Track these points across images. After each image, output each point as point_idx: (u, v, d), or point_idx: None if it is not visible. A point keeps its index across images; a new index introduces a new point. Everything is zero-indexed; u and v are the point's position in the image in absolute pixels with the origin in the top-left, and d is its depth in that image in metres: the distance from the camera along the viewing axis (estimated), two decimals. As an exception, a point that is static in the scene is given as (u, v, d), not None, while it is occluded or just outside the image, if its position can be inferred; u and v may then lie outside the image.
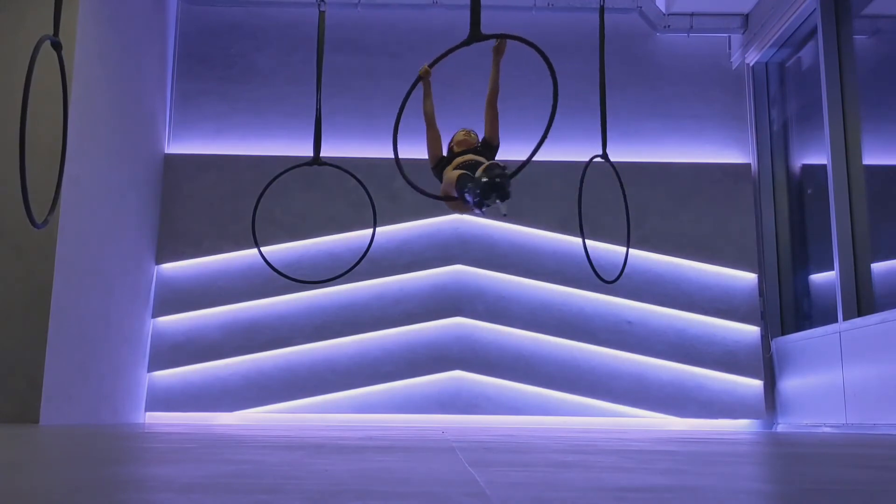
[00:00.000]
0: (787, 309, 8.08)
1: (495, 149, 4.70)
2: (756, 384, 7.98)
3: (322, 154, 5.87)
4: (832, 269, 6.94)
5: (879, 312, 6.27)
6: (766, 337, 8.06)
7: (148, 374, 7.91)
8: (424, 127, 4.73)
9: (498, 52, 4.56)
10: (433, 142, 4.72)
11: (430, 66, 4.55)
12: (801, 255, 8.08)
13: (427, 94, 4.66)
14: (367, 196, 5.99)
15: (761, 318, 8.08)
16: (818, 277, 7.69)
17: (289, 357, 7.97)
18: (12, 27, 6.12)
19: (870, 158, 6.89)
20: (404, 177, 4.38)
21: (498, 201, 3.97)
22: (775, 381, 7.96)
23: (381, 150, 8.39)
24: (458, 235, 8.19)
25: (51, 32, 3.92)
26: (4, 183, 5.68)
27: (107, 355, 6.96)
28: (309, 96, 6.73)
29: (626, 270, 5.94)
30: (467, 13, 4.26)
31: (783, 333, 8.00)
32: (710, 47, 8.77)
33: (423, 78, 4.58)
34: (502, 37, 4.41)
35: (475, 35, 4.26)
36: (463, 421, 7.88)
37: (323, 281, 6.49)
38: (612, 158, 5.66)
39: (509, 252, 8.13)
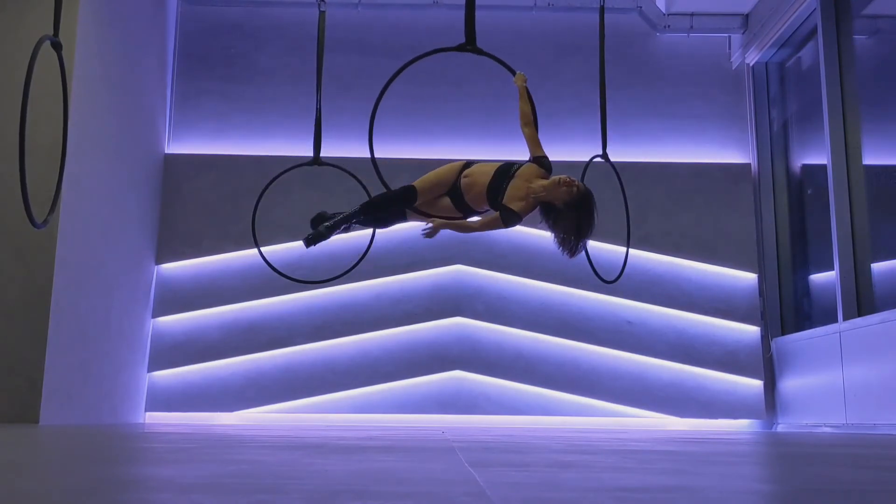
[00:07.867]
0: (787, 309, 8.08)
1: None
2: (756, 384, 7.98)
3: (322, 154, 5.87)
4: (832, 269, 6.94)
5: (879, 312, 6.26)
6: (766, 337, 8.05)
7: (148, 374, 7.91)
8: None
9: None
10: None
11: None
12: (801, 255, 8.08)
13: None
14: (367, 196, 5.99)
15: (761, 318, 8.07)
16: (818, 277, 7.69)
17: (289, 357, 7.96)
18: (12, 27, 6.12)
19: (870, 158, 6.88)
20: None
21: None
22: (775, 381, 7.95)
23: (381, 150, 8.36)
24: (458, 235, 8.17)
25: (51, 32, 3.92)
26: (4, 183, 5.68)
27: (107, 355, 6.96)
28: (309, 96, 6.73)
29: (626, 270, 5.94)
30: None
31: (783, 333, 7.99)
32: (710, 47, 8.76)
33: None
34: (492, 57, 4.59)
35: (469, 45, 4.39)
36: (463, 421, 7.88)
37: (323, 281, 6.49)
38: (612, 158, 5.67)
39: (509, 252, 8.12)
